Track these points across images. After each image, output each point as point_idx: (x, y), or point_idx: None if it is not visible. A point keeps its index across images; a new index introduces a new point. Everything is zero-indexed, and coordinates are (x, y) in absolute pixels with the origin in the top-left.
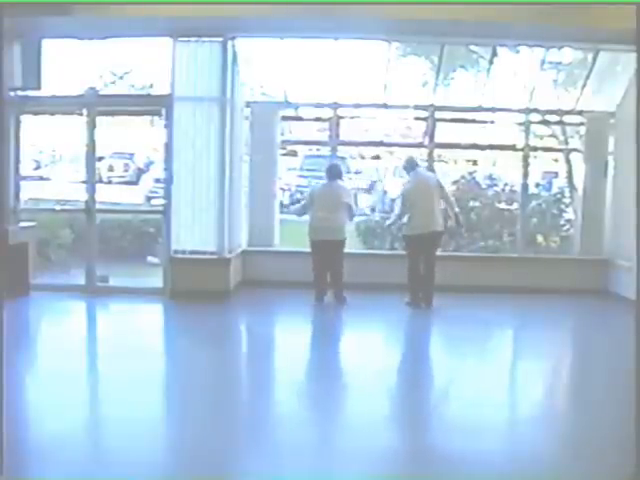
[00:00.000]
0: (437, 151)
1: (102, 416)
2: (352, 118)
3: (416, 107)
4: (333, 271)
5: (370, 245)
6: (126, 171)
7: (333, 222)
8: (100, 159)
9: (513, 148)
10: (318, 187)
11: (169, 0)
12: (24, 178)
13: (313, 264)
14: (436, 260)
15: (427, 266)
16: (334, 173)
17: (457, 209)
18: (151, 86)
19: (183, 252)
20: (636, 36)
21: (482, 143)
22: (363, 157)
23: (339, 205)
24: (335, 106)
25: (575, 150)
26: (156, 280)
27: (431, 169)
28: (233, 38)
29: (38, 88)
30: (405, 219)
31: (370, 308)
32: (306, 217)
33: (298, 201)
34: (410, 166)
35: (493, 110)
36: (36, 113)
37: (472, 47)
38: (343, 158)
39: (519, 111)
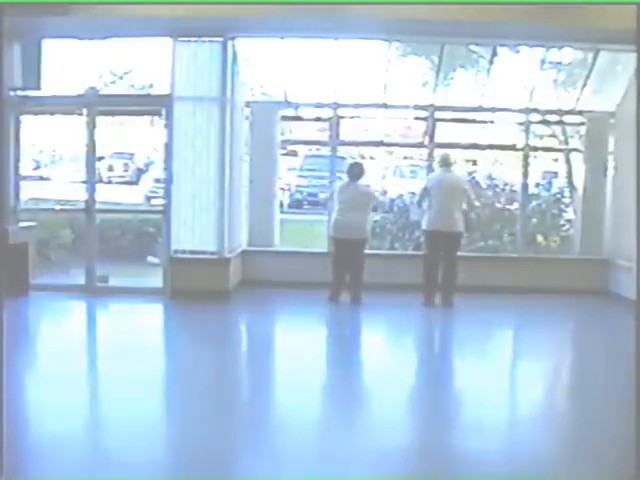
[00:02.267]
0: (437, 151)
1: (102, 416)
2: (352, 118)
3: (416, 107)
4: (353, 271)
5: (370, 245)
6: (126, 171)
7: (355, 221)
8: (100, 159)
9: (513, 148)
10: (339, 186)
11: (169, 0)
12: (24, 178)
13: (333, 263)
14: (457, 261)
15: (446, 266)
16: (355, 173)
17: (473, 216)
18: (151, 86)
19: (183, 252)
20: (636, 36)
21: (482, 143)
22: (363, 157)
23: (360, 205)
24: (335, 106)
25: (575, 150)
26: (156, 280)
27: (431, 169)
28: (233, 38)
29: (38, 88)
30: (425, 215)
31: (370, 308)
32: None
33: (298, 201)
34: (442, 163)
35: (493, 110)
36: (36, 113)
37: (472, 47)
38: (343, 158)
39: (519, 111)
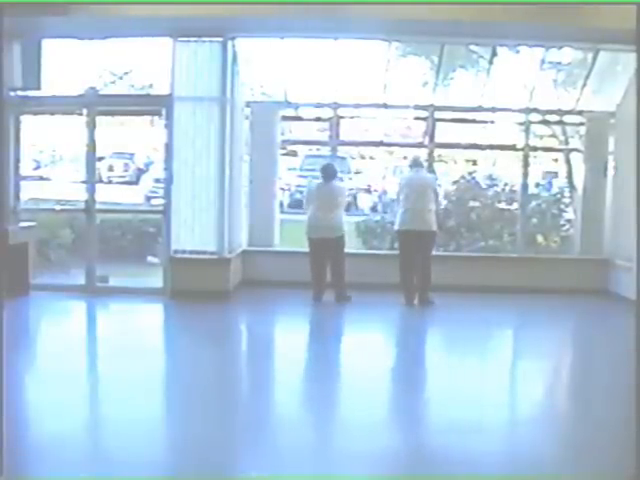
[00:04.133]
0: (437, 151)
1: (102, 416)
2: (352, 118)
3: (416, 107)
4: (334, 270)
5: (370, 245)
6: (126, 171)
7: (330, 220)
8: (100, 159)
9: (513, 148)
10: (314, 187)
11: (169, 0)
12: (24, 178)
13: (310, 263)
14: (431, 261)
15: (422, 266)
16: (329, 173)
17: (440, 210)
18: (151, 86)
19: (183, 252)
20: (636, 36)
21: (482, 143)
22: (363, 157)
23: (335, 204)
24: (335, 106)
25: (575, 150)
26: (156, 280)
27: (431, 169)
28: (233, 38)
29: (38, 88)
30: (397, 215)
31: (370, 308)
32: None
33: (298, 201)
34: (413, 164)
35: (493, 110)
36: (36, 113)
37: (472, 47)
38: (343, 158)
39: (519, 111)
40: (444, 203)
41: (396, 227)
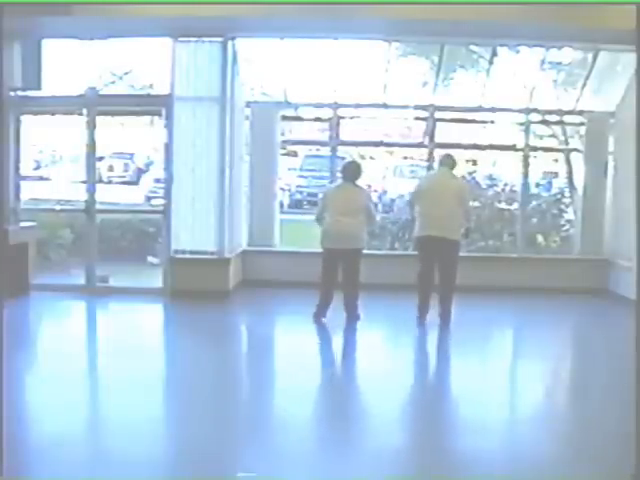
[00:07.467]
0: (437, 151)
1: (102, 416)
2: (352, 118)
3: (416, 107)
4: (347, 284)
5: (369, 245)
6: (126, 171)
7: (349, 228)
8: (100, 159)
9: (513, 148)
10: (332, 189)
11: (169, 0)
12: (24, 178)
13: (323, 276)
14: (453, 272)
15: (441, 278)
16: (350, 173)
17: (471, 224)
18: (151, 86)
19: (183, 252)
20: (636, 36)
21: (482, 143)
22: (363, 157)
23: (356, 209)
24: (335, 106)
25: (575, 150)
26: (156, 280)
27: (431, 169)
28: (233, 38)
29: (38, 88)
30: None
31: (367, 309)
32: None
33: (298, 201)
34: (441, 162)
35: (493, 110)
36: (36, 113)
37: (472, 47)
38: (343, 158)
39: (519, 111)
40: None
41: (415, 233)
